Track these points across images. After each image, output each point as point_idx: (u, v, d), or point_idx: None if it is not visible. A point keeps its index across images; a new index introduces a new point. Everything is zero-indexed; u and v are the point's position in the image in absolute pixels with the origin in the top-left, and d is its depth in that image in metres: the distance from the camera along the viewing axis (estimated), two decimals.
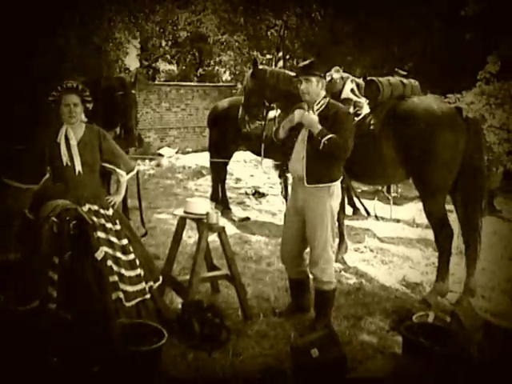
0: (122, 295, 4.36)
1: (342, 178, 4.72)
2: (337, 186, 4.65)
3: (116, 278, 4.35)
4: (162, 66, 23.49)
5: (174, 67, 24.35)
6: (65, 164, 4.39)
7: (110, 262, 4.29)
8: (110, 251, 4.37)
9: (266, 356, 4.26)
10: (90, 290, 3.54)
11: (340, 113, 4.58)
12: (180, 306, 4.90)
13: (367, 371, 3.91)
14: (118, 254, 4.46)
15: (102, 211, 4.51)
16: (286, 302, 5.33)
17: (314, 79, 4.55)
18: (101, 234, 4.35)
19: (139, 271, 4.57)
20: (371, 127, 5.54)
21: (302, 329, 4.81)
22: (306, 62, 4.74)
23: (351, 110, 5.75)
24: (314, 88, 4.56)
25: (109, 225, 4.50)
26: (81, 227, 3.50)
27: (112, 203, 4.68)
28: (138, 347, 3.82)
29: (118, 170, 4.72)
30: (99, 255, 3.51)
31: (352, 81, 6.24)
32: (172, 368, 4.10)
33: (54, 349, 3.50)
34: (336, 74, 6.29)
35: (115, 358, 3.62)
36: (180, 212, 5.40)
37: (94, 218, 4.31)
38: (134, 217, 6.58)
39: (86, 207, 4.37)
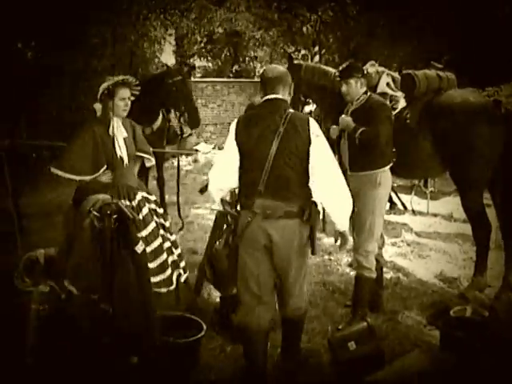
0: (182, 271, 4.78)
1: (388, 166, 4.78)
2: (384, 176, 4.71)
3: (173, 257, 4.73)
4: (198, 62, 23.56)
5: (209, 63, 24.45)
6: (118, 157, 4.49)
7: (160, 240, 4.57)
8: (161, 232, 4.62)
9: (304, 349, 4.25)
10: (130, 282, 3.61)
11: (374, 104, 4.76)
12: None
13: (404, 365, 3.91)
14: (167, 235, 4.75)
15: (150, 197, 4.73)
16: (322, 296, 5.37)
17: (352, 81, 4.78)
18: (154, 218, 4.60)
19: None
20: (407, 121, 5.51)
21: (340, 322, 4.84)
22: (344, 65, 4.98)
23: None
24: (354, 89, 4.79)
25: (159, 209, 4.76)
26: (122, 221, 3.56)
27: None
28: (177, 339, 3.90)
29: (150, 158, 4.91)
30: (139, 249, 3.57)
31: (388, 75, 6.20)
32: (211, 360, 4.18)
33: (93, 340, 3.59)
34: (371, 68, 6.25)
35: (155, 350, 3.70)
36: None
37: (147, 204, 4.57)
38: (172, 211, 6.66)
39: (139, 195, 4.55)
